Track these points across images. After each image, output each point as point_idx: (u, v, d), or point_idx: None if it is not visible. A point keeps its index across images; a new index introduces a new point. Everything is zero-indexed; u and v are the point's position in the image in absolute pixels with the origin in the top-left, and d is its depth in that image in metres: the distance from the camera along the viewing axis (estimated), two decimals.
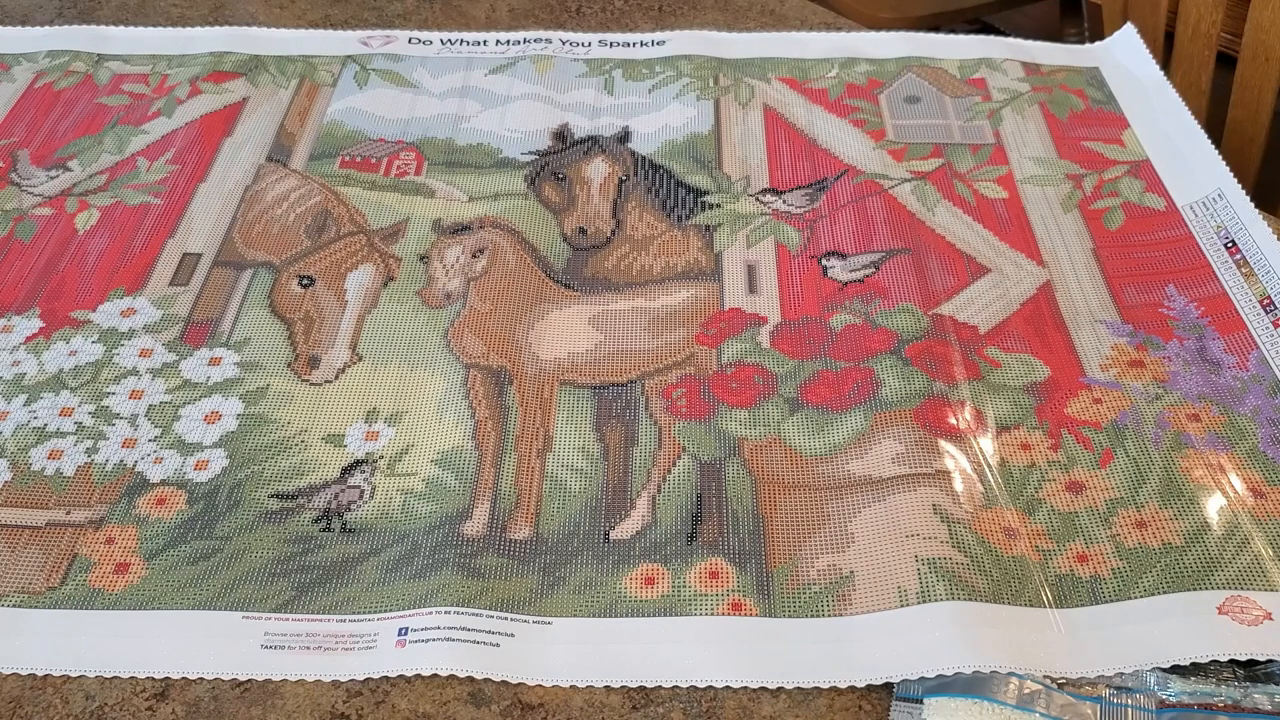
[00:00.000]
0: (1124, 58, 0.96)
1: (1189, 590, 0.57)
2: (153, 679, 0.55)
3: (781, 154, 0.87)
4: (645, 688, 0.54)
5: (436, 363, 0.70)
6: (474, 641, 0.55)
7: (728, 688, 0.54)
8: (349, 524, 0.61)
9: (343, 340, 0.72)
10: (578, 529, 0.61)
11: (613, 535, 0.61)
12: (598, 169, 0.85)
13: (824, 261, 0.77)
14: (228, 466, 0.64)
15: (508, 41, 0.99)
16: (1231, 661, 0.54)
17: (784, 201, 0.82)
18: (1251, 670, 0.54)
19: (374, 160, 0.86)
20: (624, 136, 0.88)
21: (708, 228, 0.80)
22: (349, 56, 0.97)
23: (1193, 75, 1.13)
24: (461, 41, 0.99)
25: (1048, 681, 0.53)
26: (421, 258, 0.78)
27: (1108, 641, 0.55)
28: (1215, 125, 1.08)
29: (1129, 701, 0.53)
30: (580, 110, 0.91)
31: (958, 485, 0.62)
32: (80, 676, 0.55)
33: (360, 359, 0.71)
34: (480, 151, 0.87)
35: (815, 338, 0.71)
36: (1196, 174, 0.83)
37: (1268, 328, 0.71)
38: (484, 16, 1.05)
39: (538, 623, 0.57)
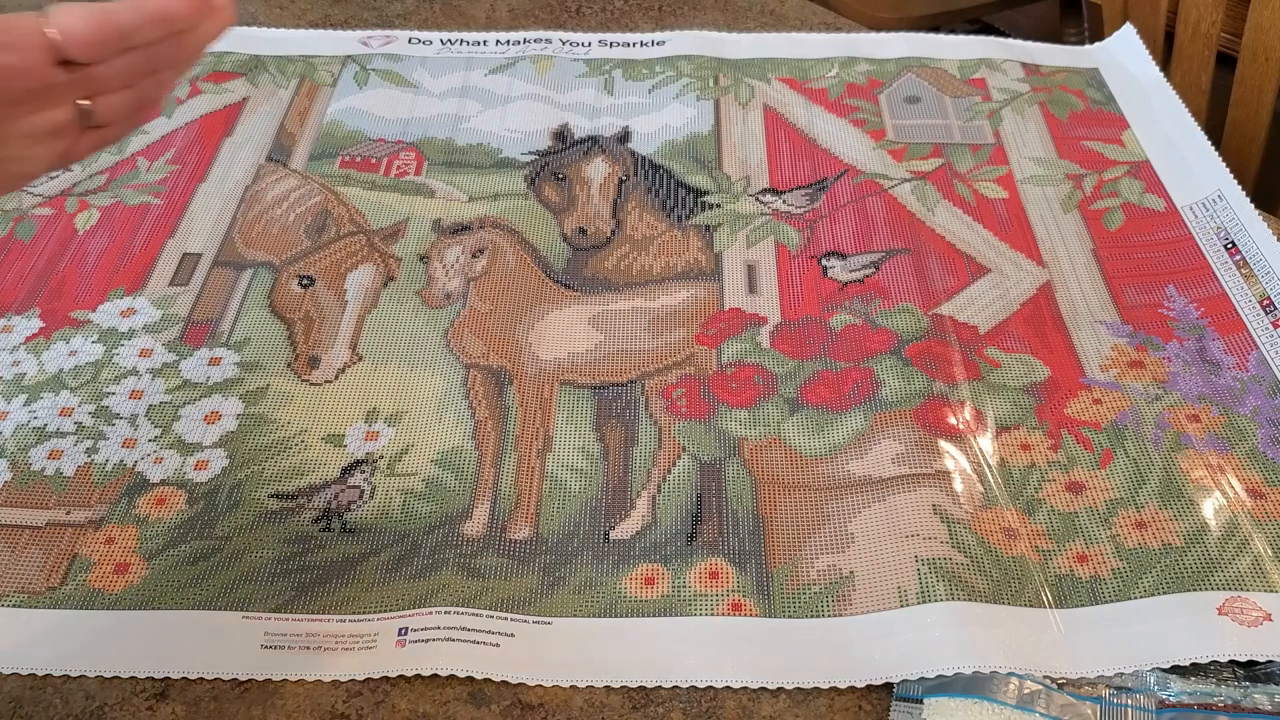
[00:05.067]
0: (1124, 58, 0.96)
1: (1189, 591, 0.57)
2: (153, 679, 0.55)
3: (781, 154, 0.87)
4: (645, 688, 0.54)
5: (436, 363, 0.70)
6: (474, 641, 0.55)
7: (728, 688, 0.54)
8: (349, 524, 0.61)
9: (343, 340, 0.72)
10: (578, 529, 0.61)
11: (613, 535, 0.61)
12: (598, 169, 0.85)
13: (824, 261, 0.77)
14: (228, 466, 0.64)
15: (508, 41, 0.99)
16: (1231, 661, 0.54)
17: (784, 201, 0.82)
18: (1251, 670, 0.54)
19: (374, 160, 0.86)
20: (624, 136, 0.88)
21: (708, 228, 0.80)
22: (349, 56, 0.97)
23: (1193, 75, 1.13)
24: (461, 41, 0.99)
25: (1048, 681, 0.53)
26: (421, 258, 0.78)
27: (1108, 641, 0.55)
28: (1215, 125, 1.08)
29: (1129, 701, 0.53)
30: (580, 110, 0.91)
31: (958, 485, 0.62)
32: (80, 676, 0.55)
33: (360, 359, 0.71)
34: (480, 151, 0.87)
35: (815, 338, 0.71)
36: (1196, 175, 0.83)
37: (1267, 328, 0.71)
38: (484, 16, 1.05)
39: (538, 623, 0.57)
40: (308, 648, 0.56)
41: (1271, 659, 0.54)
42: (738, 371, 0.69)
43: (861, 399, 0.67)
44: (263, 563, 0.59)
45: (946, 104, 0.92)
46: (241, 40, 0.99)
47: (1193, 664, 0.54)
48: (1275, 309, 0.72)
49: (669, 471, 0.64)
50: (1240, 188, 0.80)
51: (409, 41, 0.99)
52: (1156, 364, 0.69)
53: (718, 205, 0.82)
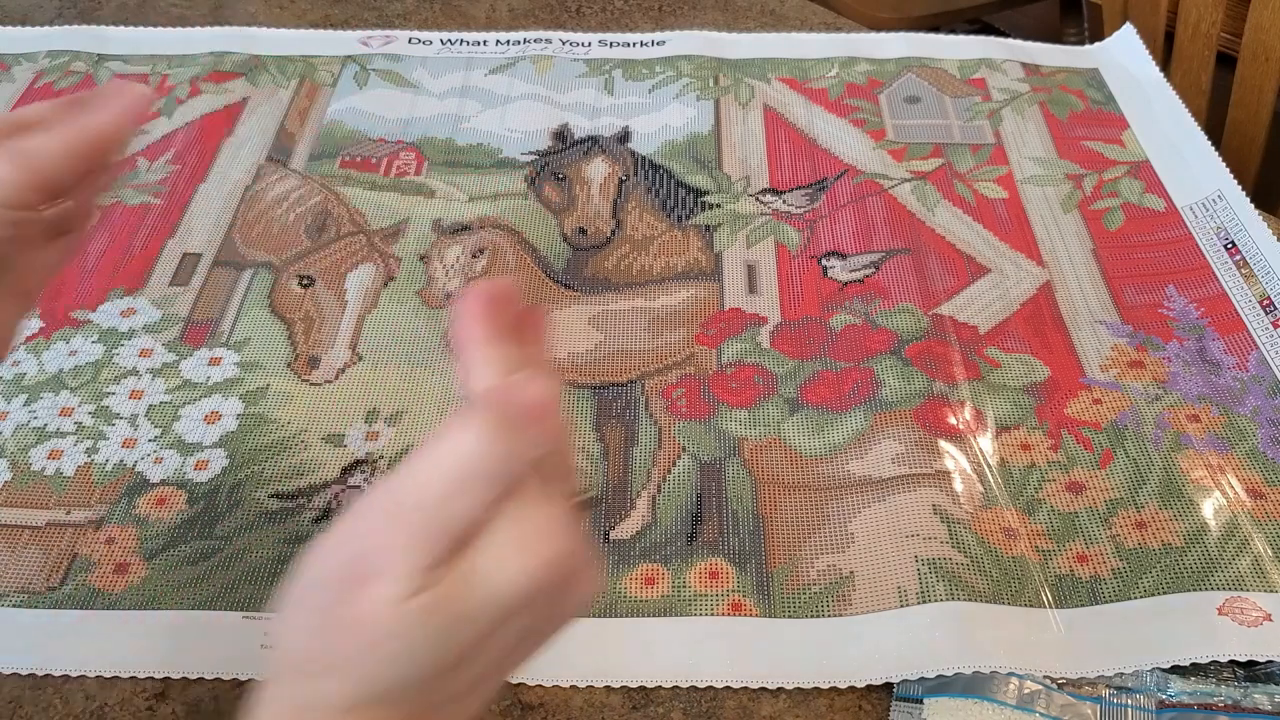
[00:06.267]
0: (1124, 58, 0.96)
1: (1189, 591, 0.57)
2: (153, 679, 0.55)
3: (781, 154, 0.87)
4: (645, 688, 0.54)
5: (436, 363, 0.70)
6: None
7: (728, 688, 0.54)
8: None
9: (343, 340, 0.72)
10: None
11: (613, 535, 0.61)
12: (598, 169, 0.85)
13: (824, 261, 0.77)
14: (228, 466, 0.64)
15: (508, 41, 0.99)
16: (1231, 661, 0.54)
17: (784, 201, 0.82)
18: (1251, 670, 0.54)
19: (374, 160, 0.86)
20: (624, 136, 0.88)
21: (708, 228, 0.80)
22: (349, 56, 0.97)
23: (1193, 75, 1.13)
24: (461, 41, 0.99)
25: (1048, 681, 0.53)
26: (421, 258, 0.78)
27: (1108, 641, 0.55)
28: (1215, 125, 1.08)
29: (1129, 701, 0.53)
30: (580, 110, 0.91)
31: (958, 485, 0.62)
32: (80, 676, 0.55)
33: (360, 359, 0.71)
34: (480, 151, 0.87)
35: (815, 338, 0.71)
36: (1196, 175, 0.83)
37: (1267, 328, 0.71)
38: (484, 16, 1.05)
39: None
40: None
41: (1271, 659, 0.54)
42: (738, 371, 0.69)
43: (861, 399, 0.67)
44: (263, 563, 0.59)
45: (946, 104, 0.92)
46: (241, 40, 0.99)
47: (1193, 664, 0.54)
48: (1275, 309, 0.72)
49: (669, 471, 0.64)
50: (1240, 188, 0.80)
51: (409, 41, 0.99)
52: (1156, 364, 0.69)
53: (718, 205, 0.82)
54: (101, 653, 0.55)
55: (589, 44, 0.99)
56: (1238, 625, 0.55)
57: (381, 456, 0.65)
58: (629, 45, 0.99)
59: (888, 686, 0.54)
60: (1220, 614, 0.56)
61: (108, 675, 0.55)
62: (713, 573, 0.59)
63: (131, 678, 0.55)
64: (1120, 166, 0.85)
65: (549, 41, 0.99)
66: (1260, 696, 0.52)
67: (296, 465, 0.64)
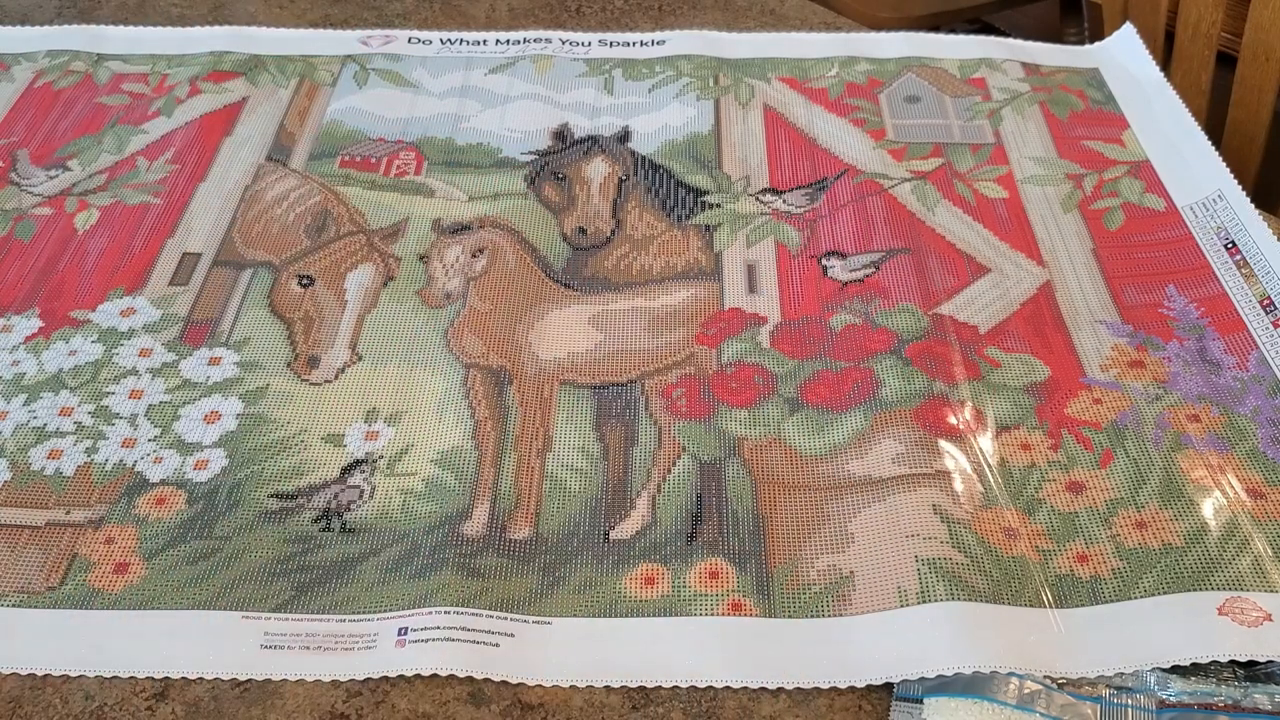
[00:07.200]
0: (1124, 58, 0.96)
1: (1189, 591, 0.57)
2: (152, 679, 0.55)
3: (781, 154, 0.87)
4: (645, 688, 0.54)
5: (436, 363, 0.70)
6: (474, 641, 0.55)
7: (728, 688, 0.54)
8: (349, 524, 0.61)
9: (342, 340, 0.72)
10: (578, 529, 0.61)
11: (613, 535, 0.61)
12: (598, 169, 0.85)
13: (824, 261, 0.77)
14: (227, 466, 0.64)
15: (507, 41, 0.99)
16: (1231, 661, 0.54)
17: (784, 201, 0.82)
18: (1251, 670, 0.54)
19: (374, 160, 0.86)
20: (624, 136, 0.88)
21: (708, 227, 0.80)
22: (349, 56, 0.97)
23: (1193, 75, 1.13)
24: (461, 41, 0.99)
25: (1048, 681, 0.53)
26: (421, 257, 0.78)
27: (1108, 641, 0.55)
28: (1215, 125, 1.08)
29: (1129, 701, 0.53)
30: (580, 110, 0.91)
31: (958, 485, 0.62)
32: (80, 676, 0.55)
33: (360, 359, 0.71)
34: (480, 151, 0.87)
35: (815, 338, 0.71)
36: (1196, 174, 0.83)
37: (1268, 328, 0.71)
38: (484, 16, 1.05)
39: (538, 623, 0.57)
40: (307, 648, 0.56)
41: (1271, 659, 0.54)
42: (738, 371, 0.69)
43: (861, 399, 0.67)
44: (262, 563, 0.59)
45: (946, 104, 0.92)
46: (241, 40, 0.99)
47: (1193, 664, 0.54)
48: (1275, 309, 0.72)
49: (669, 471, 0.64)
50: (1240, 188, 0.80)
51: (409, 41, 0.99)
52: (1156, 364, 0.69)
53: (718, 205, 0.82)
54: (101, 653, 0.55)
55: (589, 44, 0.99)
56: (1238, 625, 0.55)
57: (381, 456, 0.65)
58: (629, 45, 0.99)
59: (888, 686, 0.54)
60: (1220, 614, 0.56)
61: (107, 675, 0.55)
62: (713, 573, 0.59)
63: (131, 678, 0.55)
64: (1120, 166, 0.85)
65: (549, 41, 0.99)
66: (1260, 696, 0.52)
67: (296, 465, 0.64)
